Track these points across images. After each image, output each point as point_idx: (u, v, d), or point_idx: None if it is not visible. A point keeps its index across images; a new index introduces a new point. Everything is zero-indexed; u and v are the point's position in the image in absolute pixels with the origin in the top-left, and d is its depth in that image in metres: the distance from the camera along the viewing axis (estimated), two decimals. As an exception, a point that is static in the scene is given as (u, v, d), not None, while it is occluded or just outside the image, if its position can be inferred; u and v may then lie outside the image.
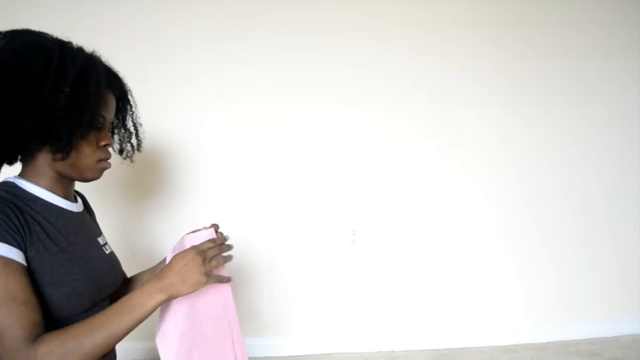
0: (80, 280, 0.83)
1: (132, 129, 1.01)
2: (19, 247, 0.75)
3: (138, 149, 1.03)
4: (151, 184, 2.02)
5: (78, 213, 0.93)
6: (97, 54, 0.91)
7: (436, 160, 2.11)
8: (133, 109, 1.00)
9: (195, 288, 0.81)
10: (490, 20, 2.14)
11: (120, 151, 1.02)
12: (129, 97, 0.98)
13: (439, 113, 2.12)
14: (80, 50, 0.86)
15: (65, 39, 0.86)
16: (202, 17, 2.03)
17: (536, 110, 2.16)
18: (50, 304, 0.78)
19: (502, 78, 2.15)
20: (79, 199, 0.98)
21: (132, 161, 1.02)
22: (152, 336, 1.15)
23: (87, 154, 0.85)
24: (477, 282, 2.13)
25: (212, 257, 0.84)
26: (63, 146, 0.80)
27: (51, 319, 0.79)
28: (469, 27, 2.12)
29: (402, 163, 2.10)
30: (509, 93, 2.15)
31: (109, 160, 0.90)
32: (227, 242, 0.90)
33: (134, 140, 1.02)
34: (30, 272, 0.77)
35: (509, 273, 2.15)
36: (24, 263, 0.75)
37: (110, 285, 0.95)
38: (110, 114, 0.90)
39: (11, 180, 0.86)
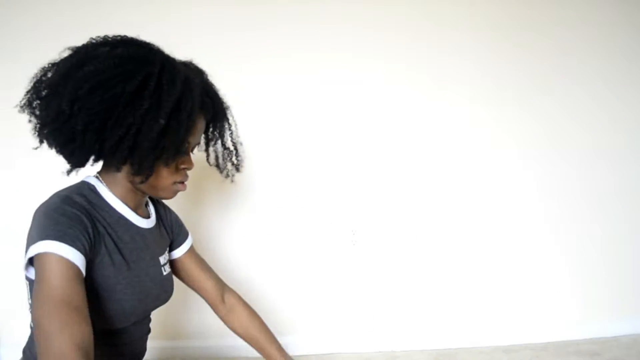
0: (130, 301, 0.82)
1: (231, 148, 0.98)
2: (85, 254, 0.73)
3: (237, 169, 1.00)
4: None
5: (146, 229, 0.91)
6: (194, 68, 0.87)
7: (436, 159, 2.11)
8: (232, 127, 0.96)
9: None
10: (509, 16, 2.13)
11: (220, 169, 0.99)
12: (227, 115, 0.95)
13: (439, 110, 2.11)
14: (180, 69, 0.80)
15: (169, 53, 0.83)
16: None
17: (554, 104, 2.14)
18: (95, 317, 0.76)
19: (515, 70, 2.13)
20: (152, 214, 0.95)
21: (232, 181, 1.00)
22: (154, 335, 1.15)
23: (165, 176, 0.84)
24: (477, 282, 2.13)
25: None
26: (144, 171, 0.78)
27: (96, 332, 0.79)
28: (481, 18, 2.12)
29: (401, 162, 2.10)
30: (522, 87, 2.13)
31: (185, 183, 0.89)
32: None
33: (234, 159, 0.99)
34: (89, 283, 0.75)
35: (508, 273, 2.15)
36: (84, 272, 0.72)
37: (158, 303, 0.95)
38: (196, 137, 0.87)
39: (91, 181, 0.85)
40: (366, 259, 2.09)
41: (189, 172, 0.90)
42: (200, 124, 0.86)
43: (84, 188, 0.82)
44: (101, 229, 0.78)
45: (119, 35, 0.80)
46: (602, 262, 2.18)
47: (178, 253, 1.08)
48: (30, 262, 0.72)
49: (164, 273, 0.94)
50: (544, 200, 2.16)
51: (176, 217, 1.11)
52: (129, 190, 0.85)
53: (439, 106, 2.11)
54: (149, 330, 1.01)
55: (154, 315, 1.04)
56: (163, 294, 0.94)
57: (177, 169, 0.85)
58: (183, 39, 1.93)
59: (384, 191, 2.10)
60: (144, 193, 0.87)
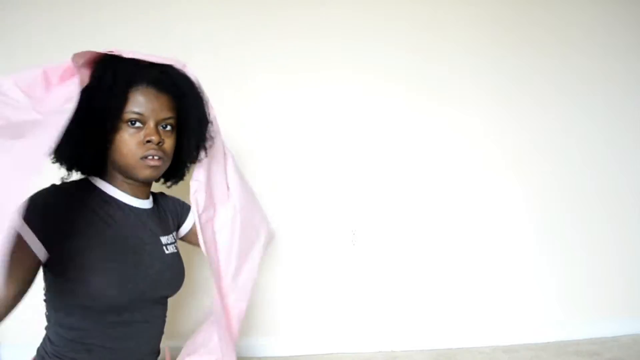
0: (125, 269, 0.86)
1: (196, 127, 0.98)
2: (43, 234, 0.78)
3: (197, 156, 1.01)
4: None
5: (143, 210, 0.95)
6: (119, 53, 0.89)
7: (436, 160, 2.12)
8: (200, 104, 0.97)
9: None
10: (492, 18, 2.14)
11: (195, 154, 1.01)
12: (194, 99, 0.95)
13: (438, 112, 2.12)
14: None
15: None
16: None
17: (537, 109, 2.16)
18: (92, 287, 0.81)
19: (503, 77, 2.15)
20: (150, 198, 1.00)
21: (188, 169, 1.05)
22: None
23: (126, 152, 0.86)
24: (477, 282, 2.13)
25: None
26: (93, 143, 0.85)
27: (100, 310, 0.83)
28: (470, 26, 2.12)
29: (401, 162, 2.10)
30: (510, 93, 2.15)
31: (156, 157, 0.87)
32: None
33: (203, 141, 1.00)
34: (77, 249, 0.81)
35: (509, 273, 2.15)
36: (35, 251, 0.78)
37: (165, 283, 0.95)
38: (147, 109, 0.86)
39: (90, 177, 0.93)
40: (366, 259, 2.10)
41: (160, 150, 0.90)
42: (144, 96, 0.86)
43: (79, 181, 0.91)
44: (85, 209, 0.85)
45: None
46: (602, 263, 2.18)
47: (187, 227, 1.13)
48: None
49: (167, 252, 0.96)
50: (544, 202, 2.16)
51: (175, 199, 1.15)
52: (122, 181, 0.91)
53: (437, 111, 2.12)
54: (163, 321, 1.01)
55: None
56: (167, 270, 0.95)
57: (141, 143, 0.86)
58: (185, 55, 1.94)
59: (384, 192, 2.10)
60: (131, 180, 0.91)
